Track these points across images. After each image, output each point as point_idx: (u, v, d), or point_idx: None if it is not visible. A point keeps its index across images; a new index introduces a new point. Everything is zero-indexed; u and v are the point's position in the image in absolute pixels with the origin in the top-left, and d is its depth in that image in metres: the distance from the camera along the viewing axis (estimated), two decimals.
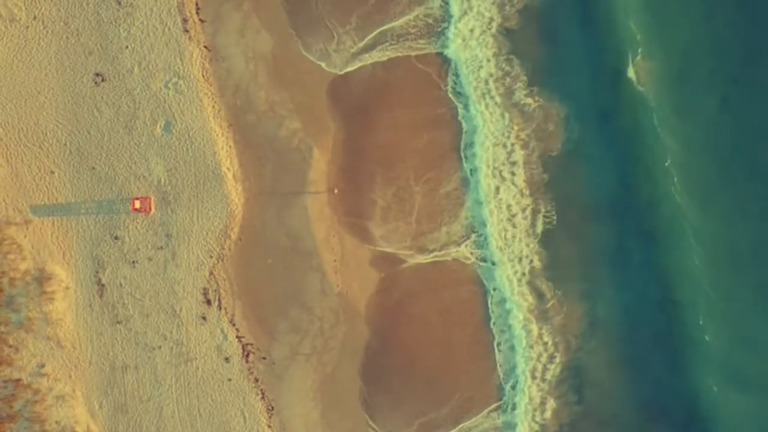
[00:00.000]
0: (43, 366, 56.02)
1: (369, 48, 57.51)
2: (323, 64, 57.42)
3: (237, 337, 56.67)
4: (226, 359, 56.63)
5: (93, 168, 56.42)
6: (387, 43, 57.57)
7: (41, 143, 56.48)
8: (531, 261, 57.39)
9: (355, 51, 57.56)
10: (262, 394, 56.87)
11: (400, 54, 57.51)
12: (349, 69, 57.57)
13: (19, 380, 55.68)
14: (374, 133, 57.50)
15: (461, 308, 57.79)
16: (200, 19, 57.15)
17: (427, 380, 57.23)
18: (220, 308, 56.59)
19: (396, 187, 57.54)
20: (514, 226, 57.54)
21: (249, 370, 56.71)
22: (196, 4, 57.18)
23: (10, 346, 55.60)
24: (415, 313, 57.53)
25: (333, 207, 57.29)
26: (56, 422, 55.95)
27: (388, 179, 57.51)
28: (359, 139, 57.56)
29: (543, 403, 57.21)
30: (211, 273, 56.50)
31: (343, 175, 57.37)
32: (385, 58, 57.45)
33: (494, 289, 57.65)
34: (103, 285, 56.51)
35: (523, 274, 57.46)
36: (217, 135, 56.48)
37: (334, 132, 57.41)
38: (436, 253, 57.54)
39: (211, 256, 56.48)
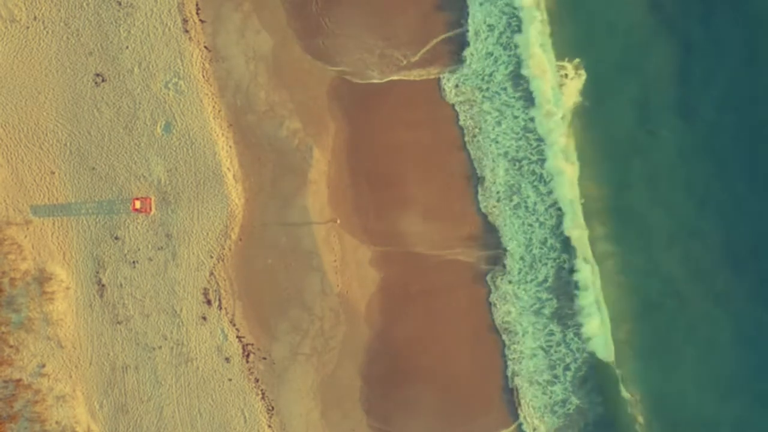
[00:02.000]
0: (43, 366, 56.06)
1: (426, 63, 57.02)
2: (349, 72, 57.13)
3: (237, 337, 56.69)
4: (227, 359, 56.64)
5: (93, 168, 56.46)
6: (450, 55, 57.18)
7: (42, 143, 56.53)
8: (559, 261, 57.15)
9: (405, 65, 57.01)
10: (263, 394, 56.88)
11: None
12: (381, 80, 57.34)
13: (19, 380, 55.72)
14: (390, 131, 57.52)
15: (465, 308, 57.63)
16: (200, 20, 57.19)
17: (430, 380, 57.21)
18: (221, 308, 56.62)
19: (441, 184, 57.41)
20: (540, 225, 57.37)
21: (249, 370, 56.72)
22: (197, 5, 57.21)
23: (11, 347, 55.64)
24: (417, 312, 57.50)
25: (333, 206, 57.34)
26: (57, 422, 55.98)
27: (426, 177, 57.33)
28: (371, 137, 57.52)
29: (565, 403, 56.95)
30: (211, 273, 56.53)
31: (363, 175, 57.36)
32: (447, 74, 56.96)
33: (506, 291, 57.23)
34: (103, 285, 56.54)
35: (547, 276, 57.22)
36: (217, 135, 56.51)
37: (335, 132, 57.43)
38: (497, 251, 57.46)
39: (212, 257, 56.51)
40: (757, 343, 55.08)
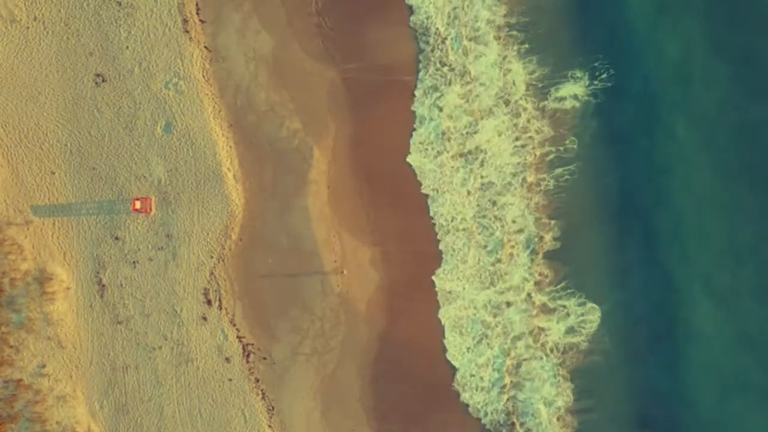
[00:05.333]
0: (44, 366, 56.09)
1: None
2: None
3: (237, 337, 56.70)
4: (227, 359, 56.66)
5: (94, 168, 56.50)
6: None
7: (42, 144, 56.57)
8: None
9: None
10: (263, 394, 56.89)
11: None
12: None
13: (20, 380, 55.76)
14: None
15: None
16: (200, 20, 57.23)
17: (430, 380, 57.21)
18: (221, 308, 56.64)
19: None
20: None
21: (250, 370, 56.74)
22: (197, 5, 57.26)
23: (11, 347, 55.68)
24: (417, 312, 57.50)
25: (333, 206, 57.34)
26: (57, 422, 56.01)
27: None
28: (371, 137, 57.55)
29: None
30: (211, 273, 56.55)
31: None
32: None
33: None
34: (103, 285, 56.57)
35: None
36: (217, 135, 56.55)
37: (335, 132, 57.45)
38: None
39: (212, 257, 56.53)
40: None
